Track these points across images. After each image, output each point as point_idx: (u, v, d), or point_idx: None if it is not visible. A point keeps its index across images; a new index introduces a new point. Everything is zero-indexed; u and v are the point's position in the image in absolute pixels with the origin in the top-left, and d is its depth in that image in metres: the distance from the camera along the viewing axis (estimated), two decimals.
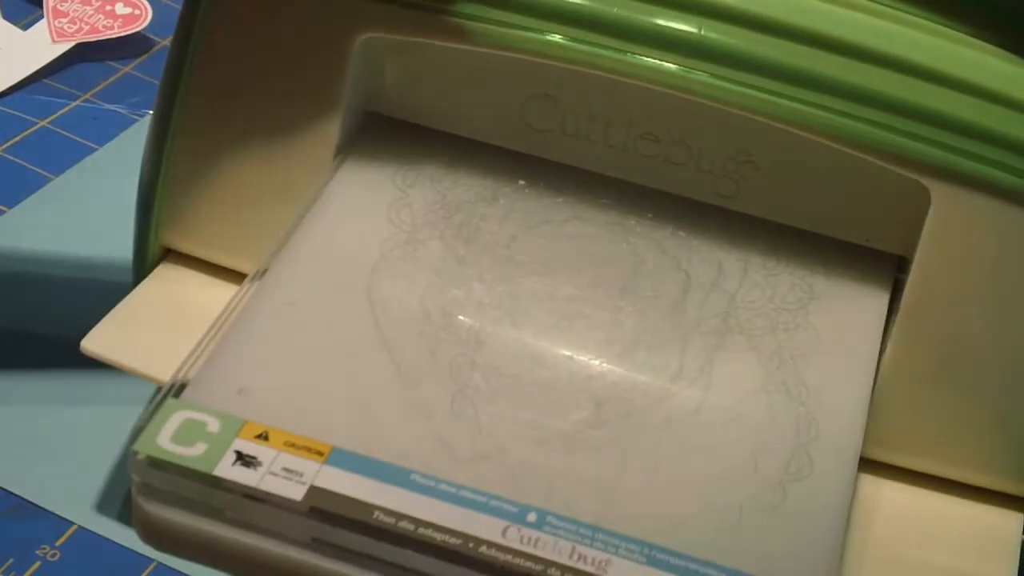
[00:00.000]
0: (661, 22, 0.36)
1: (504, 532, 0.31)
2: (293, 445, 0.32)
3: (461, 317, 0.36)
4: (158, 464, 0.31)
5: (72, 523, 0.42)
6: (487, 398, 0.34)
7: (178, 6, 0.39)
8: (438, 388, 0.34)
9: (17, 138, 0.57)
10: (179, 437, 0.31)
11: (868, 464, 0.38)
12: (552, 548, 0.30)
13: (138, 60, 0.62)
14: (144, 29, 0.63)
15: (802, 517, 0.33)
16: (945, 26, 0.36)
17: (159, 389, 0.34)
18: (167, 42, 0.59)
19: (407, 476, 0.31)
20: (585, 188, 0.40)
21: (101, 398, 0.45)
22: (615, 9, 0.36)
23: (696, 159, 0.39)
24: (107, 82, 0.61)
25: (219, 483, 0.31)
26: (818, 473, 0.34)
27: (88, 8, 0.63)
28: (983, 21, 0.36)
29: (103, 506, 0.42)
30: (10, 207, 0.53)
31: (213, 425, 0.32)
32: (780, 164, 0.38)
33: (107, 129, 0.58)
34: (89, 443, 0.44)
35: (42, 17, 0.63)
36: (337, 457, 0.31)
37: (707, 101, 0.36)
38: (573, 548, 0.31)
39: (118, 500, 0.43)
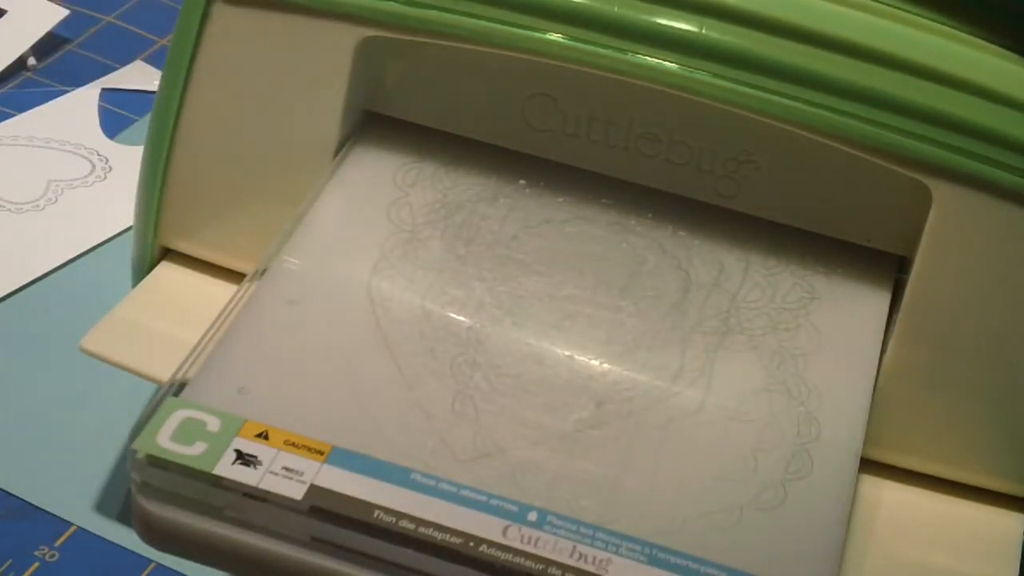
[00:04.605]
0: (662, 21, 0.36)
1: (505, 531, 0.31)
2: (293, 444, 0.32)
3: (462, 317, 0.36)
4: (158, 463, 0.31)
5: (71, 523, 0.42)
6: (488, 397, 0.34)
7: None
8: (439, 387, 0.34)
9: None
10: (179, 436, 0.31)
11: (868, 464, 0.38)
12: (553, 547, 0.30)
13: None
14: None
15: (802, 517, 0.33)
16: (946, 25, 0.36)
17: (159, 388, 0.34)
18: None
19: (408, 475, 0.31)
20: (586, 188, 0.40)
21: (101, 398, 0.45)
22: (615, 8, 0.36)
23: (696, 159, 0.39)
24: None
25: (219, 482, 0.31)
26: (818, 473, 0.34)
27: None
28: (983, 21, 0.36)
29: (102, 506, 0.42)
30: None
31: (213, 424, 0.32)
32: (781, 164, 0.38)
33: None
34: (89, 443, 0.44)
35: None
36: (337, 456, 0.31)
37: (708, 100, 0.36)
38: (574, 547, 0.31)
39: (117, 501, 0.43)
